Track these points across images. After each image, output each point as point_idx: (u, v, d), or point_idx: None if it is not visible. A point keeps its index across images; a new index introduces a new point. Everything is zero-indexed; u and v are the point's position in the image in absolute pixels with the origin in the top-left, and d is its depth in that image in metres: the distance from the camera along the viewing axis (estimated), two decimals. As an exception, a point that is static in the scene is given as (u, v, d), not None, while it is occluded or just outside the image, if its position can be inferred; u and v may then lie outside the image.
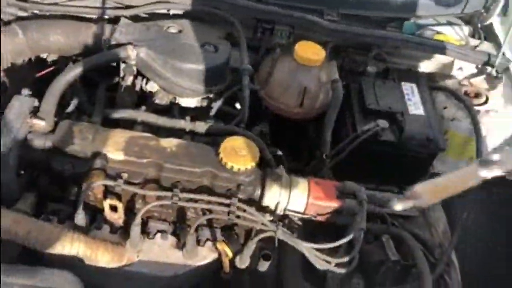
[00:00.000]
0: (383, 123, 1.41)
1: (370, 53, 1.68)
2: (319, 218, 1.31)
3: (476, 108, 1.57)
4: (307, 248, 1.18)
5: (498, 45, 1.76)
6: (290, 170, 1.45)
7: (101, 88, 1.45)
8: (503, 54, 1.69)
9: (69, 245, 1.12)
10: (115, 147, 1.21)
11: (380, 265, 1.38)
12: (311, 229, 1.40)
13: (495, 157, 0.33)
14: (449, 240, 1.44)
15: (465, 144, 1.57)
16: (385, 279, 1.39)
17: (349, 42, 1.70)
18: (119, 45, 1.38)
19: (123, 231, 1.24)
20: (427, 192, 0.34)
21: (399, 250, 1.41)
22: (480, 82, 1.71)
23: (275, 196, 1.26)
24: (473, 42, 1.82)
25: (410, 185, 1.63)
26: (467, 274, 1.48)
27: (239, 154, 1.21)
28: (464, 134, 1.56)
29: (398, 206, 0.36)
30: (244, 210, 1.19)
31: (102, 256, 1.16)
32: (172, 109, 1.46)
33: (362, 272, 1.43)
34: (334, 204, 1.28)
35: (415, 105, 1.51)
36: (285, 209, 1.28)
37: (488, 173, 0.33)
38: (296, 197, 1.27)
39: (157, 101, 1.44)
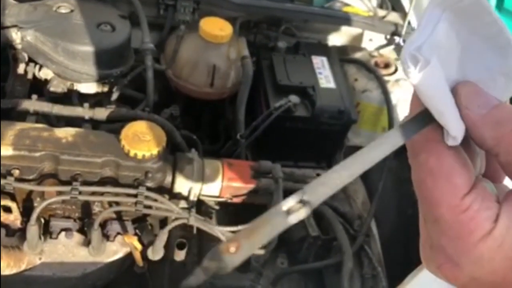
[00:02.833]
0: (294, 98, 1.39)
1: (280, 28, 1.65)
2: (236, 200, 1.27)
3: (386, 78, 1.58)
4: (222, 231, 1.13)
5: (404, 15, 1.79)
6: (207, 153, 1.40)
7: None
8: (409, 23, 1.72)
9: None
10: (2, 142, 1.08)
11: (302, 242, 1.38)
12: (233, 213, 1.36)
13: (296, 199, 0.31)
14: (368, 211, 1.45)
15: (378, 114, 1.58)
16: (308, 255, 1.39)
17: (258, 17, 1.65)
18: (2, 28, 1.24)
19: (22, 233, 1.13)
20: (225, 249, 0.30)
21: (321, 225, 1.41)
22: (389, 52, 1.73)
23: (187, 181, 1.20)
24: (381, 12, 1.84)
25: (327, 159, 1.65)
26: (387, 243, 1.51)
27: (142, 140, 1.13)
28: (376, 104, 1.57)
29: (193, 283, 0.31)
30: (155, 200, 1.12)
31: (-5, 264, 1.05)
32: (71, 97, 1.35)
33: (286, 251, 1.42)
34: (249, 185, 1.24)
35: (326, 79, 1.50)
36: (199, 194, 1.22)
37: (297, 218, 0.30)
38: (209, 181, 1.22)
39: (52, 88, 1.31)
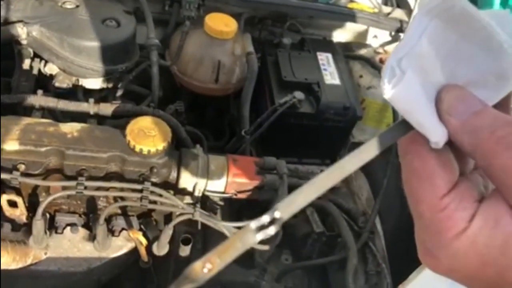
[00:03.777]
0: (299, 94, 1.38)
1: (285, 24, 1.64)
2: (240, 196, 1.26)
3: (391, 74, 1.58)
4: (226, 227, 1.13)
5: (409, 11, 1.78)
6: (212, 149, 1.40)
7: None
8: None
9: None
10: (8, 136, 1.09)
11: (306, 238, 1.38)
12: (236, 208, 1.36)
13: (266, 218, 0.32)
14: (372, 207, 1.45)
15: (383, 111, 1.58)
16: (312, 252, 1.39)
17: (263, 13, 1.65)
18: (7, 23, 1.24)
19: (28, 228, 1.13)
20: (200, 268, 0.32)
21: (326, 222, 1.41)
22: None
23: (192, 177, 1.20)
24: (386, 9, 1.83)
25: (332, 156, 1.65)
26: (391, 239, 1.50)
27: (148, 135, 1.13)
28: (381, 101, 1.57)
29: None
30: (160, 195, 1.12)
31: (0, 258, 1.05)
32: (76, 93, 1.35)
33: (290, 247, 1.42)
34: (254, 181, 1.24)
35: (331, 75, 1.49)
36: (204, 190, 1.22)
37: (263, 235, 0.32)
38: (214, 177, 1.22)
39: (57, 84, 1.31)
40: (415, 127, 0.34)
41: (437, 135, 0.34)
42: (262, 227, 0.32)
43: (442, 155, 0.35)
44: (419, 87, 0.34)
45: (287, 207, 0.32)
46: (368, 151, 0.34)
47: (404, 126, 0.35)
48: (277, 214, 0.32)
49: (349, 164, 0.33)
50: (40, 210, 1.06)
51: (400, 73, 0.34)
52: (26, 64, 1.32)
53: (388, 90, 0.34)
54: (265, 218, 0.32)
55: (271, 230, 0.32)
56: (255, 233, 0.32)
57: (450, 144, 0.34)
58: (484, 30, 0.33)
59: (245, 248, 0.32)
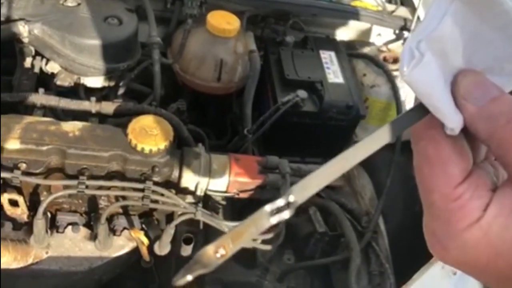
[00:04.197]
0: (302, 93, 1.37)
1: (287, 22, 1.63)
2: (242, 195, 1.26)
3: (395, 73, 1.57)
4: (228, 227, 1.13)
5: (413, 10, 1.77)
6: (214, 148, 1.39)
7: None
8: (418, 18, 1.70)
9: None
10: (9, 135, 1.08)
11: (309, 238, 1.37)
12: (238, 208, 1.36)
13: (281, 202, 0.32)
14: (375, 207, 1.44)
15: (386, 110, 1.56)
16: (315, 251, 1.38)
17: (265, 11, 1.64)
18: (8, 21, 1.24)
19: (29, 227, 1.13)
20: (212, 252, 0.32)
21: (328, 221, 1.41)
22: (398, 47, 1.71)
23: (194, 176, 1.19)
24: (390, 7, 1.82)
25: (335, 155, 1.63)
26: (395, 239, 1.49)
27: (149, 134, 1.12)
28: (384, 100, 1.56)
29: (180, 281, 0.32)
30: (162, 194, 1.12)
31: (1, 257, 1.05)
32: (78, 91, 1.34)
33: (293, 247, 1.42)
34: (256, 180, 1.23)
35: (334, 73, 1.48)
36: (206, 189, 1.22)
37: (278, 219, 0.32)
38: (216, 176, 1.21)
39: (59, 82, 1.31)
40: (432, 111, 0.33)
41: (454, 120, 0.33)
42: (276, 211, 0.31)
43: (457, 142, 0.33)
44: (437, 70, 0.33)
45: (301, 191, 0.32)
46: (383, 136, 0.33)
47: (419, 111, 0.34)
48: (291, 198, 0.31)
49: (364, 148, 0.33)
50: (41, 209, 1.06)
51: (419, 55, 0.33)
52: (28, 62, 1.32)
53: (406, 72, 0.33)
54: (279, 202, 0.31)
55: (286, 214, 0.31)
56: (269, 217, 0.31)
57: (464, 131, 0.33)
58: (506, 15, 0.32)
59: (259, 232, 0.31)
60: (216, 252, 0.31)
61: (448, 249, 0.34)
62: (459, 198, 0.32)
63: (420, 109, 0.33)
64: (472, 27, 0.33)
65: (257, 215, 0.31)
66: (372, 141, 0.33)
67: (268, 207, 0.31)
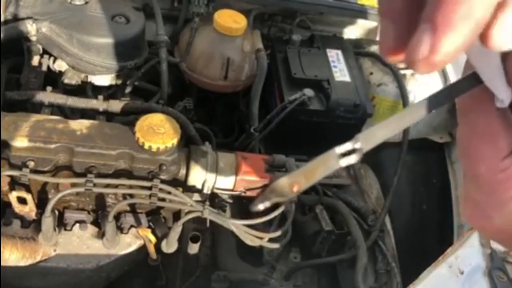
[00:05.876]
0: (309, 92, 1.37)
1: (294, 21, 1.63)
2: (249, 194, 1.26)
3: (402, 72, 1.56)
4: (236, 225, 1.13)
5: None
6: (221, 146, 1.40)
7: (2, 69, 1.31)
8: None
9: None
10: (18, 133, 1.09)
11: (316, 236, 1.37)
12: (246, 206, 1.36)
13: (349, 146, 0.32)
14: (382, 206, 1.44)
15: (393, 108, 1.56)
16: (321, 250, 1.38)
17: (272, 9, 1.64)
18: (17, 19, 1.24)
19: (37, 225, 1.13)
20: (287, 185, 0.33)
21: (335, 220, 1.41)
22: (405, 46, 1.70)
23: (201, 174, 1.19)
24: (397, 5, 1.81)
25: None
26: (401, 238, 1.49)
27: (157, 132, 1.12)
28: (391, 98, 1.55)
29: (258, 207, 0.34)
30: (169, 192, 1.12)
31: (10, 255, 1.05)
32: (85, 89, 1.35)
33: (300, 245, 1.42)
34: (263, 178, 1.23)
35: (341, 72, 1.48)
36: (213, 187, 1.22)
37: (347, 162, 0.32)
38: (223, 174, 1.21)
39: (66, 80, 1.31)
40: (486, 82, 0.33)
41: (506, 91, 0.33)
42: (345, 154, 0.32)
43: (505, 116, 0.34)
44: None
45: (366, 139, 0.32)
46: (439, 99, 0.33)
47: (471, 81, 0.34)
48: (357, 145, 0.32)
49: (426, 105, 0.33)
50: (49, 207, 1.06)
51: None
52: (35, 60, 1.32)
53: None
54: (347, 145, 0.31)
55: (353, 158, 0.32)
56: (338, 159, 0.31)
57: (510, 105, 0.34)
58: None
59: (328, 172, 0.32)
60: (291, 186, 0.32)
61: (492, 218, 0.34)
62: (506, 170, 0.33)
63: (472, 79, 0.33)
64: None
65: (326, 156, 0.32)
66: (429, 103, 0.33)
67: (337, 149, 0.32)
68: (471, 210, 0.36)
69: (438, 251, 1.03)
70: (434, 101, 0.34)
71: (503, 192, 0.33)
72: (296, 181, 0.32)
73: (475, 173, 0.35)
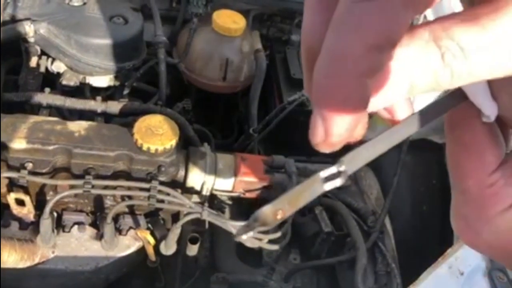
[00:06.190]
0: (308, 91, 1.37)
1: (293, 21, 1.63)
2: (248, 195, 1.25)
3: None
4: (235, 226, 1.12)
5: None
6: (220, 147, 1.39)
7: (0, 71, 1.31)
8: (425, 16, 1.69)
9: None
10: (16, 135, 1.08)
11: (315, 237, 1.36)
12: (245, 208, 1.35)
13: (333, 170, 0.32)
14: (382, 206, 1.44)
15: (393, 109, 1.55)
16: (321, 251, 1.37)
17: (271, 10, 1.64)
18: (15, 21, 1.24)
19: (35, 227, 1.13)
20: (271, 213, 0.33)
21: (334, 221, 1.40)
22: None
23: (200, 176, 1.19)
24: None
25: (342, 154, 1.62)
26: (401, 239, 1.49)
27: (155, 133, 1.12)
28: (391, 98, 1.54)
29: (242, 237, 0.34)
30: (168, 194, 1.12)
31: (8, 257, 1.05)
32: (83, 90, 1.34)
33: (299, 246, 1.41)
34: (262, 179, 1.23)
35: (340, 72, 1.48)
36: (212, 189, 1.21)
37: (331, 186, 0.32)
38: (222, 175, 1.21)
39: (64, 82, 1.31)
40: (471, 98, 0.33)
41: (491, 107, 0.33)
42: (329, 178, 0.32)
43: (492, 130, 0.34)
44: None
45: (351, 161, 0.32)
46: (429, 115, 0.32)
47: (456, 97, 0.33)
48: (342, 168, 0.32)
49: (411, 124, 0.33)
50: (47, 209, 1.06)
51: None
52: (33, 62, 1.32)
53: None
54: (332, 169, 0.32)
55: (337, 182, 0.32)
56: (323, 183, 0.32)
57: (497, 120, 0.34)
58: None
59: (313, 197, 0.31)
60: (275, 214, 0.32)
61: (480, 234, 0.34)
62: (493, 185, 0.33)
63: (458, 96, 0.33)
64: None
65: (311, 180, 0.32)
66: (415, 121, 0.34)
67: (322, 174, 0.32)
68: (461, 225, 0.36)
69: (438, 252, 1.02)
70: (420, 119, 0.34)
71: (491, 207, 0.33)
72: (280, 208, 0.32)
73: (463, 188, 0.35)
